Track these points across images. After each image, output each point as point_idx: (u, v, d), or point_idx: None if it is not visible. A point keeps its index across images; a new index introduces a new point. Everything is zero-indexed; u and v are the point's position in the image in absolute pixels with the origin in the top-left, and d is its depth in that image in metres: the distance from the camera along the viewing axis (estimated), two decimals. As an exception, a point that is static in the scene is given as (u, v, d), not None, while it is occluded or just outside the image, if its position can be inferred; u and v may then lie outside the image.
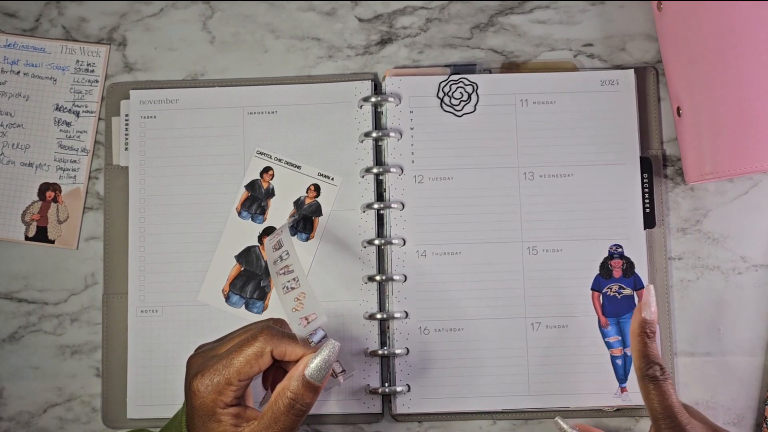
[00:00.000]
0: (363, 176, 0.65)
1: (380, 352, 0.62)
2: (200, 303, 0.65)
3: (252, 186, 0.66)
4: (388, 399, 0.64)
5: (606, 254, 0.63)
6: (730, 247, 0.65)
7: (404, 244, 0.64)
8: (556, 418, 0.57)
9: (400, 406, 0.62)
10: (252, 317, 0.64)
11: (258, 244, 0.65)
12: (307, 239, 0.65)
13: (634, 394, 0.62)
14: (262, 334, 0.52)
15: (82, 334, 0.66)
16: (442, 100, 0.65)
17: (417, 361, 0.63)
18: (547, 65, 0.67)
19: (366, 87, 0.66)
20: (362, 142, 0.65)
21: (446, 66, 0.67)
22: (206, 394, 0.50)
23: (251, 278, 0.64)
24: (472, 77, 0.65)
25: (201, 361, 0.52)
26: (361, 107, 0.65)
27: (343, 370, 0.55)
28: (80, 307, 0.66)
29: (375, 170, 0.64)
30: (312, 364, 0.51)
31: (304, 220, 0.65)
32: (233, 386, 0.50)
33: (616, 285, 0.63)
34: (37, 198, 0.67)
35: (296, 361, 0.52)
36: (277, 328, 0.53)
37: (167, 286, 0.65)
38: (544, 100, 0.65)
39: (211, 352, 0.53)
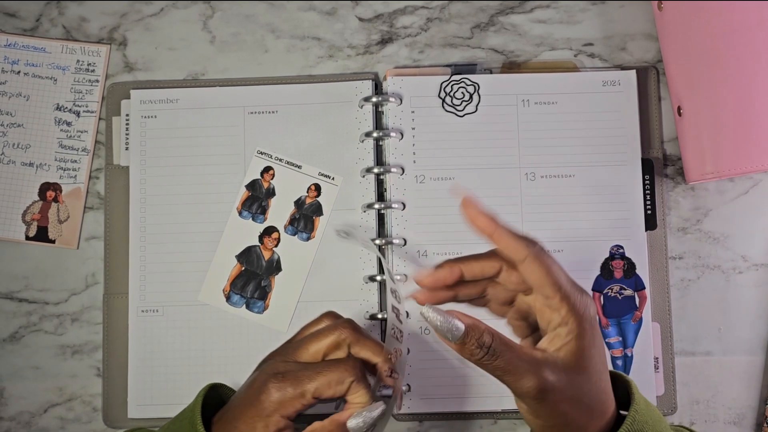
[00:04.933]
0: (364, 176, 0.65)
1: (381, 352, 0.62)
2: (201, 303, 0.64)
3: (252, 186, 0.66)
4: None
5: (607, 255, 0.63)
6: (730, 246, 0.65)
7: (405, 244, 0.64)
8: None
9: (401, 406, 0.63)
10: (252, 317, 0.64)
11: (258, 243, 0.65)
12: (308, 239, 0.65)
13: (634, 394, 0.62)
14: (350, 366, 0.50)
15: (82, 334, 0.66)
16: (443, 101, 0.65)
17: (417, 361, 0.63)
18: (548, 65, 0.67)
19: (366, 87, 0.66)
20: (363, 142, 0.65)
21: (447, 66, 0.67)
22: (277, 397, 0.49)
23: (252, 278, 0.64)
24: (473, 77, 0.65)
25: (283, 366, 0.51)
26: (361, 107, 0.65)
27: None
28: (81, 307, 0.66)
29: (376, 170, 0.64)
30: (358, 419, 0.50)
31: (305, 220, 0.65)
32: (304, 400, 0.49)
33: (616, 286, 0.63)
34: (37, 198, 0.67)
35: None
36: (362, 368, 0.51)
37: (168, 286, 0.65)
38: (545, 101, 0.65)
39: (292, 356, 0.52)
